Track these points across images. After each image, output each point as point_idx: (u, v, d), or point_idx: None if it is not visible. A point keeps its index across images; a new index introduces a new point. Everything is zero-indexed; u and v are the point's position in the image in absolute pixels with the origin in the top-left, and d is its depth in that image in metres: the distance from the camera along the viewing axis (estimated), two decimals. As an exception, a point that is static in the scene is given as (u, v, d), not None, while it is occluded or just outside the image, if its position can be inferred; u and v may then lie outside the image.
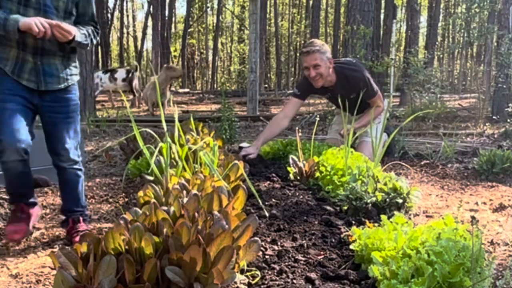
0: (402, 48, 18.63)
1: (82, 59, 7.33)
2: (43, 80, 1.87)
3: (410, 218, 2.01)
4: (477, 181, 3.04)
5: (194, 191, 1.61)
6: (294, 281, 1.26)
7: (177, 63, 28.86)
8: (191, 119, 3.07)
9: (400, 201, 2.01)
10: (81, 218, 2.00)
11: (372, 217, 1.91)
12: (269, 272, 1.34)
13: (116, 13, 27.36)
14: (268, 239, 1.62)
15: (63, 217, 2.02)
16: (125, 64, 29.42)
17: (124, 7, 29.75)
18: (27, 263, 1.70)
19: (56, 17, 1.84)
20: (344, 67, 3.50)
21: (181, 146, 2.34)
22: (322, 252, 1.52)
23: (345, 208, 2.06)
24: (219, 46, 30.18)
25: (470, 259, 1.12)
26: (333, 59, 3.50)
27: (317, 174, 2.61)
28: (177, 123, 2.42)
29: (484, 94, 7.49)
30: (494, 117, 7.18)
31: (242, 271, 1.31)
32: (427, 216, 2.15)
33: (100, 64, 23.03)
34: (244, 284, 1.27)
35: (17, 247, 1.88)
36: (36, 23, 1.71)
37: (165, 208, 1.38)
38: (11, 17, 1.71)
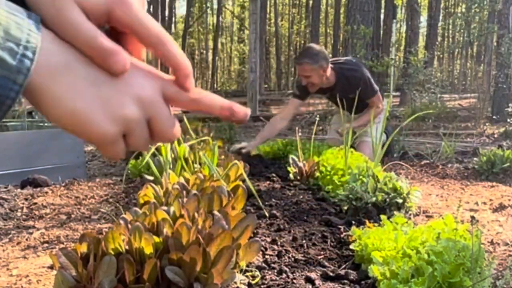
0: (402, 48, 18.65)
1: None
2: None
3: (410, 218, 2.01)
4: (477, 181, 3.04)
5: (194, 191, 1.61)
6: (294, 281, 1.26)
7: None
8: (185, 120, 3.07)
9: (400, 201, 2.01)
10: None
11: (372, 217, 1.91)
12: (269, 272, 1.34)
13: (116, 13, 27.32)
14: (268, 239, 1.62)
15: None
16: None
17: (124, 7, 29.68)
18: (27, 263, 1.69)
19: None
20: (344, 67, 3.50)
21: (180, 145, 2.34)
22: (322, 252, 1.52)
23: (345, 208, 2.06)
24: (219, 46, 30.18)
25: (470, 259, 1.12)
26: (333, 58, 3.50)
27: (317, 174, 2.61)
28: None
29: (484, 94, 7.50)
30: (494, 117, 7.18)
31: (242, 271, 1.31)
32: (427, 216, 2.15)
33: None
34: (244, 284, 1.27)
35: (17, 247, 1.88)
36: None
37: (165, 208, 1.38)
38: None
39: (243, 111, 0.49)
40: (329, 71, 3.41)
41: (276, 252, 1.49)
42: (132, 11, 0.43)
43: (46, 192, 2.77)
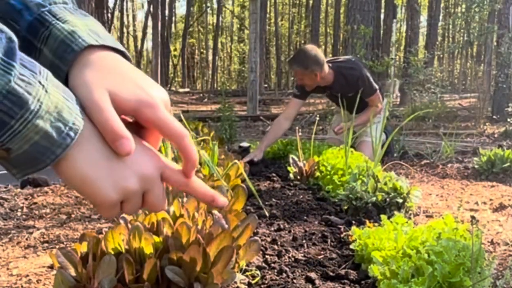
0: (402, 48, 18.64)
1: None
2: None
3: (410, 218, 2.01)
4: (477, 180, 3.03)
5: (194, 191, 1.61)
6: (294, 280, 1.26)
7: (177, 62, 28.86)
8: (182, 118, 3.07)
9: (400, 201, 2.01)
10: None
11: (372, 217, 1.91)
12: (269, 272, 1.34)
13: (116, 13, 27.38)
14: (268, 239, 1.62)
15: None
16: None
17: (124, 7, 29.76)
18: (27, 263, 1.69)
19: None
20: (342, 66, 3.50)
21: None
22: (322, 252, 1.52)
23: (345, 207, 2.06)
24: (219, 46, 30.18)
25: (470, 259, 1.12)
26: (332, 57, 3.51)
27: (317, 173, 2.61)
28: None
29: (484, 94, 7.50)
30: (494, 116, 7.19)
31: (242, 271, 1.31)
32: (427, 216, 2.15)
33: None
34: (244, 283, 1.27)
35: (17, 247, 1.88)
36: None
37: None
38: None
39: (222, 201, 0.58)
40: (325, 71, 3.40)
41: (276, 252, 1.49)
42: (158, 113, 0.51)
43: (46, 192, 2.77)
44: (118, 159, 0.49)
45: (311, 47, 3.56)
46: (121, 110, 0.49)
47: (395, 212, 1.76)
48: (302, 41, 26.92)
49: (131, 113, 0.51)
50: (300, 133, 3.01)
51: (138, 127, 0.53)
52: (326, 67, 3.42)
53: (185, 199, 1.53)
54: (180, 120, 2.71)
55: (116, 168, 0.49)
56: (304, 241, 1.61)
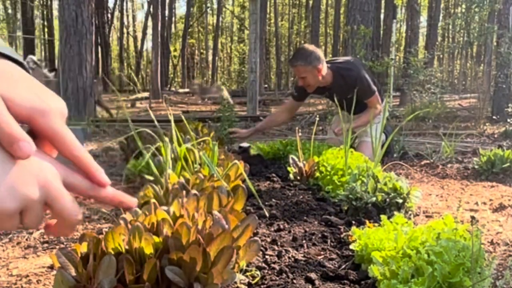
0: (402, 48, 18.64)
1: (82, 59, 7.33)
2: None
3: (410, 218, 2.01)
4: (477, 181, 3.04)
5: (194, 191, 1.61)
6: (294, 281, 1.26)
7: (177, 63, 28.85)
8: (180, 119, 3.07)
9: (400, 201, 2.01)
10: None
11: (372, 217, 1.90)
12: (269, 272, 1.34)
13: (116, 13, 27.37)
14: (268, 239, 1.62)
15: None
16: (125, 64, 29.38)
17: (124, 7, 29.76)
18: (27, 263, 1.69)
19: None
20: (341, 67, 3.51)
21: (180, 145, 2.34)
22: (322, 252, 1.52)
23: (345, 208, 2.06)
24: (219, 46, 30.17)
25: (470, 259, 1.12)
26: (332, 58, 3.51)
27: (317, 174, 2.61)
28: (173, 124, 2.42)
29: (484, 94, 7.50)
30: (494, 117, 7.19)
31: (242, 271, 1.31)
32: (427, 216, 2.15)
33: (100, 65, 23.04)
34: (244, 284, 1.27)
35: (17, 247, 1.88)
36: None
37: (165, 208, 1.38)
38: None
39: (130, 201, 0.57)
40: (324, 70, 3.41)
41: (276, 252, 1.49)
42: (51, 123, 0.49)
43: (46, 192, 2.76)
44: (16, 164, 0.46)
45: (310, 45, 3.59)
46: (14, 117, 0.47)
47: (395, 213, 1.76)
48: (302, 42, 26.91)
49: (25, 120, 0.49)
50: (300, 134, 3.01)
51: (32, 137, 0.51)
52: (325, 66, 3.43)
53: (185, 199, 1.53)
54: (181, 121, 2.71)
55: (14, 173, 0.45)
56: (304, 241, 1.61)
